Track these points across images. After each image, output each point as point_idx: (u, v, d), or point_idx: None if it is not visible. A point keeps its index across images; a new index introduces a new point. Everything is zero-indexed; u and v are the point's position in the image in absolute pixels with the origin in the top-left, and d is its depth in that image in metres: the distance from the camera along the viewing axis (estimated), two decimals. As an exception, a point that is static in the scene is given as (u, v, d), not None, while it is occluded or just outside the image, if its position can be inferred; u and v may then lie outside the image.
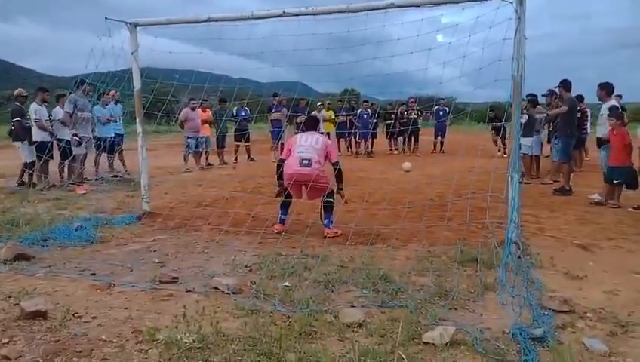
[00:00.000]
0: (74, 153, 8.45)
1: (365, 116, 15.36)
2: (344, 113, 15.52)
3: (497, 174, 5.08)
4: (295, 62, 6.40)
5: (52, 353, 2.58)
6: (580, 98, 10.07)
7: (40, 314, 3.02)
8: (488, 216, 4.97)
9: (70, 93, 8.63)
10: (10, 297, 3.38)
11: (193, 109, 11.81)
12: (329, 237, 5.22)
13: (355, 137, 15.84)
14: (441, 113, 16.31)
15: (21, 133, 8.85)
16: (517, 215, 4.47)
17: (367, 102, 16.41)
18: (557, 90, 8.84)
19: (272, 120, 13.78)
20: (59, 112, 9.04)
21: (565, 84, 8.43)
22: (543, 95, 10.20)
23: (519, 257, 4.24)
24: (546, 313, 3.16)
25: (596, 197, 7.30)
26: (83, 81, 8.39)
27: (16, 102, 9.09)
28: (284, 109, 13.59)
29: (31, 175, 8.93)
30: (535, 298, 3.39)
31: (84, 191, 8.19)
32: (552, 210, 6.67)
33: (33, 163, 8.82)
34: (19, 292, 3.47)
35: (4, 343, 2.67)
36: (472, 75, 5.14)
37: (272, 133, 13.87)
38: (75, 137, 8.28)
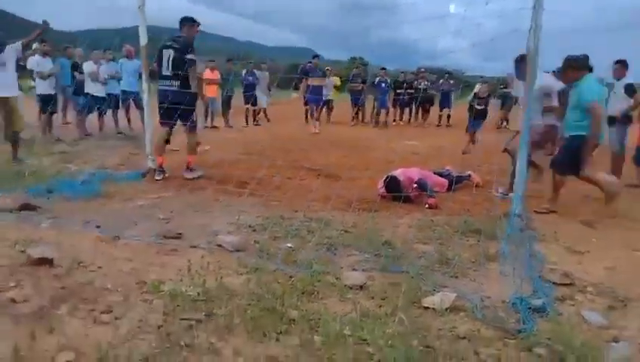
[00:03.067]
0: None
1: (383, 85, 14.95)
2: (359, 81, 15.07)
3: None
4: (304, 28, 6.30)
5: (58, 298, 2.61)
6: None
7: (46, 262, 3.05)
8: (493, 189, 4.96)
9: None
10: (16, 244, 3.40)
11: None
12: None
13: (373, 107, 15.42)
14: (446, 87, 16.11)
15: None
16: (523, 188, 4.46)
17: (384, 69, 15.97)
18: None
19: (310, 85, 12.68)
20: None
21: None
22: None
23: (522, 230, 4.26)
24: (547, 285, 3.18)
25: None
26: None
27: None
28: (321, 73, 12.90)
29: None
30: (536, 270, 3.41)
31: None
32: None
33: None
34: (24, 240, 3.49)
35: (11, 286, 2.70)
36: (483, 46, 5.04)
37: (308, 99, 13.16)
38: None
